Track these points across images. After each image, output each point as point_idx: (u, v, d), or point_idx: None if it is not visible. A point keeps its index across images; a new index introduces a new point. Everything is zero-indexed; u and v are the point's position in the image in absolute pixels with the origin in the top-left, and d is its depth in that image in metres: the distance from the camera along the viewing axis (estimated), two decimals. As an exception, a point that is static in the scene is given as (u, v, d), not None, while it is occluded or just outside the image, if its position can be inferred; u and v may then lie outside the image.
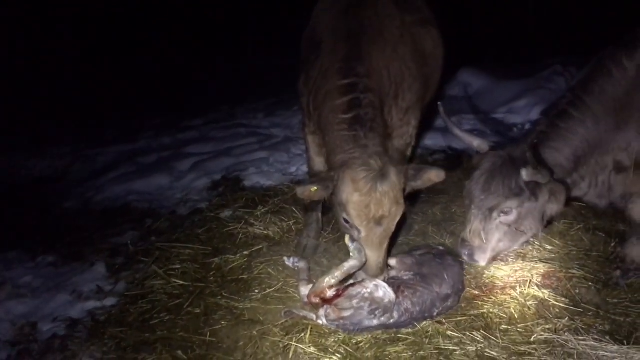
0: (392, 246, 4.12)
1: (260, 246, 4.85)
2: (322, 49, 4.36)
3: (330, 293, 3.59)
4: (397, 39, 4.52)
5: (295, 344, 3.55)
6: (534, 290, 3.96)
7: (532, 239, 4.35)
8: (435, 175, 3.75)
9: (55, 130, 9.89)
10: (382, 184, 3.56)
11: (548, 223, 4.23)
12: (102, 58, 13.60)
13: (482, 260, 4.03)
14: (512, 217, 3.90)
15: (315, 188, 3.63)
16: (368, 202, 3.57)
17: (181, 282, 4.42)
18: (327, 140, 4.07)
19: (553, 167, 3.89)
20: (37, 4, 13.37)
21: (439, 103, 4.46)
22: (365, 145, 3.79)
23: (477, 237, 3.97)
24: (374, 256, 3.71)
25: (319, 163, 4.63)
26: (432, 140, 7.24)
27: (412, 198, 5.44)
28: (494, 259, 4.11)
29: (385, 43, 4.40)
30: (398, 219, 3.73)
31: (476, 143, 4.18)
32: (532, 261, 4.38)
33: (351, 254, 3.59)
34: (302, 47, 4.79)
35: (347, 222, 3.71)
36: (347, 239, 3.65)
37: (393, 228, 3.76)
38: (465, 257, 4.05)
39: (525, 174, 3.75)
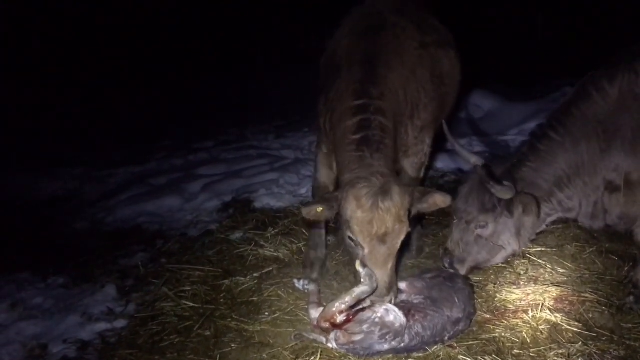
0: (398, 267, 4.12)
1: (270, 268, 4.86)
2: (340, 72, 4.43)
3: (340, 318, 3.56)
4: (416, 60, 4.58)
5: (306, 367, 3.53)
6: (547, 314, 3.91)
7: (518, 254, 4.47)
8: (441, 200, 3.78)
9: (66, 151, 9.98)
10: (384, 201, 3.59)
11: (536, 236, 4.36)
12: (113, 80, 13.74)
13: (461, 269, 4.20)
14: (488, 231, 4.09)
15: (321, 208, 3.69)
16: (370, 218, 3.59)
17: (191, 304, 4.41)
18: (338, 160, 4.14)
19: (530, 185, 4.02)
20: (50, 23, 13.65)
21: (442, 121, 4.54)
22: (370, 165, 3.83)
23: (457, 247, 4.19)
24: (379, 275, 3.69)
25: (324, 175, 4.69)
26: (442, 163, 7.25)
27: (422, 220, 5.47)
28: (473, 269, 4.27)
29: (403, 65, 4.46)
30: (402, 237, 3.73)
31: (473, 160, 4.24)
32: (544, 284, 4.34)
33: (362, 280, 3.57)
34: (321, 70, 4.85)
35: (351, 239, 3.72)
36: (357, 264, 3.63)
37: (397, 246, 3.74)
38: (446, 265, 4.23)
39: (496, 191, 3.88)
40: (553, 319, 3.87)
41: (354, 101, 4.09)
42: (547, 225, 4.31)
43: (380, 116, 4.06)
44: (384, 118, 4.09)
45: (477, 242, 4.13)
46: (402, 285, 3.89)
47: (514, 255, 4.32)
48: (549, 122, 4.13)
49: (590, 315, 3.93)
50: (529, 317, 3.90)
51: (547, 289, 4.27)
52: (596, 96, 3.93)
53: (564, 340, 3.67)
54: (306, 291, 4.24)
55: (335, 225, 4.19)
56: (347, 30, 4.79)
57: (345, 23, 4.89)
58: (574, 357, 3.51)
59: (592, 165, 3.96)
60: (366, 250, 3.65)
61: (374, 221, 3.59)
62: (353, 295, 3.56)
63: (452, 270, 4.17)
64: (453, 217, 4.23)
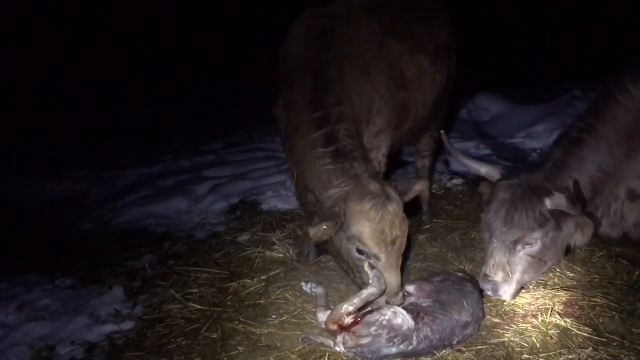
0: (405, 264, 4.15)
1: (278, 271, 4.84)
2: (292, 79, 4.37)
3: (348, 320, 3.55)
4: (370, 62, 4.51)
5: (313, 371, 3.51)
6: (556, 319, 3.87)
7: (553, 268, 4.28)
8: (420, 187, 3.95)
9: (74, 153, 10.01)
10: (391, 206, 3.62)
11: (567, 251, 4.12)
12: (115, 81, 13.79)
13: (507, 295, 3.87)
14: (536, 248, 3.77)
15: (325, 227, 3.67)
16: (382, 227, 3.61)
17: (198, 307, 4.41)
18: (308, 174, 4.05)
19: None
20: (57, 26, 13.72)
21: (441, 132, 4.43)
22: (357, 175, 3.84)
23: (501, 271, 3.82)
24: (394, 277, 3.74)
25: None
26: (450, 165, 7.21)
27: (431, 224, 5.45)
28: (518, 292, 3.96)
29: (356, 68, 4.39)
30: (406, 235, 3.80)
31: (484, 170, 4.07)
32: (553, 289, 4.29)
33: (370, 282, 3.56)
34: (278, 69, 4.74)
35: (362, 252, 3.71)
36: (366, 266, 3.63)
37: (405, 244, 3.81)
38: (489, 293, 3.91)
39: (549, 203, 3.65)
40: (563, 323, 3.83)
41: (312, 114, 4.04)
42: None
43: (345, 123, 4.05)
44: (348, 123, 4.08)
45: (522, 262, 3.80)
46: (411, 288, 3.87)
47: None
48: (580, 126, 3.95)
49: (601, 320, 3.88)
50: (538, 322, 3.86)
51: (557, 293, 4.22)
52: (622, 98, 3.83)
53: (574, 346, 3.63)
54: (314, 294, 4.22)
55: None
56: (298, 32, 4.67)
57: (297, 24, 4.76)
58: (585, 362, 3.48)
59: (620, 172, 3.84)
60: (382, 259, 3.66)
61: (386, 229, 3.61)
62: (362, 297, 3.55)
63: (460, 274, 4.12)
64: (488, 239, 3.87)
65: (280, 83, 4.60)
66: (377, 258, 3.67)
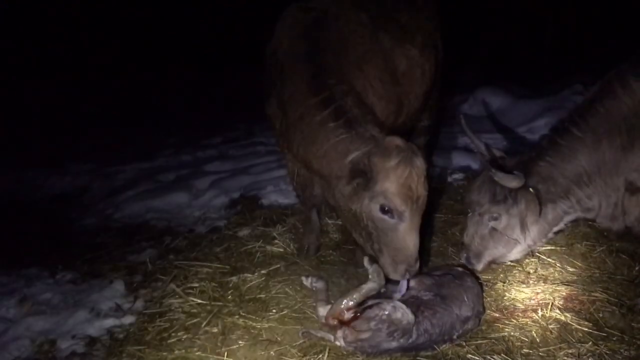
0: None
1: (278, 265, 4.85)
2: (286, 74, 4.31)
3: (348, 315, 3.55)
4: (363, 55, 4.48)
5: (313, 365, 3.51)
6: (556, 314, 3.88)
7: (533, 251, 4.45)
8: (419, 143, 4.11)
9: (75, 147, 10.02)
10: (418, 160, 3.61)
11: (555, 234, 4.27)
12: (121, 75, 13.78)
13: (478, 264, 4.17)
14: (502, 224, 4.01)
15: (357, 183, 3.66)
16: (409, 183, 3.58)
17: (199, 301, 4.41)
18: (321, 154, 3.96)
19: (546, 180, 3.92)
20: (57, 21, 13.72)
21: (460, 115, 4.49)
22: (373, 136, 3.77)
23: (472, 241, 4.14)
24: (415, 240, 3.75)
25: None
26: (451, 160, 7.20)
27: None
28: (490, 264, 4.22)
29: (349, 61, 4.36)
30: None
31: (482, 148, 4.24)
32: (553, 283, 4.30)
33: (370, 276, 3.57)
34: (265, 66, 4.66)
35: (386, 211, 3.64)
36: (365, 261, 3.64)
37: (425, 204, 3.79)
38: (463, 260, 4.21)
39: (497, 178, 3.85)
40: (563, 318, 3.84)
41: (314, 97, 3.99)
42: (565, 225, 4.23)
43: (350, 96, 4.02)
44: (354, 96, 4.05)
45: (492, 236, 4.07)
46: (412, 281, 3.87)
47: (530, 250, 4.26)
48: (571, 117, 4.02)
49: (601, 315, 3.89)
50: (538, 316, 3.87)
51: (557, 287, 4.23)
52: (621, 93, 3.82)
53: (573, 340, 3.63)
54: (314, 288, 4.22)
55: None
56: (286, 27, 4.61)
57: (284, 19, 4.70)
58: (584, 356, 3.47)
59: (614, 164, 3.85)
60: (407, 217, 3.64)
61: (412, 185, 3.59)
62: (361, 292, 3.56)
63: (460, 269, 4.14)
64: (468, 211, 4.19)
65: (272, 80, 4.51)
66: (401, 216, 3.63)
